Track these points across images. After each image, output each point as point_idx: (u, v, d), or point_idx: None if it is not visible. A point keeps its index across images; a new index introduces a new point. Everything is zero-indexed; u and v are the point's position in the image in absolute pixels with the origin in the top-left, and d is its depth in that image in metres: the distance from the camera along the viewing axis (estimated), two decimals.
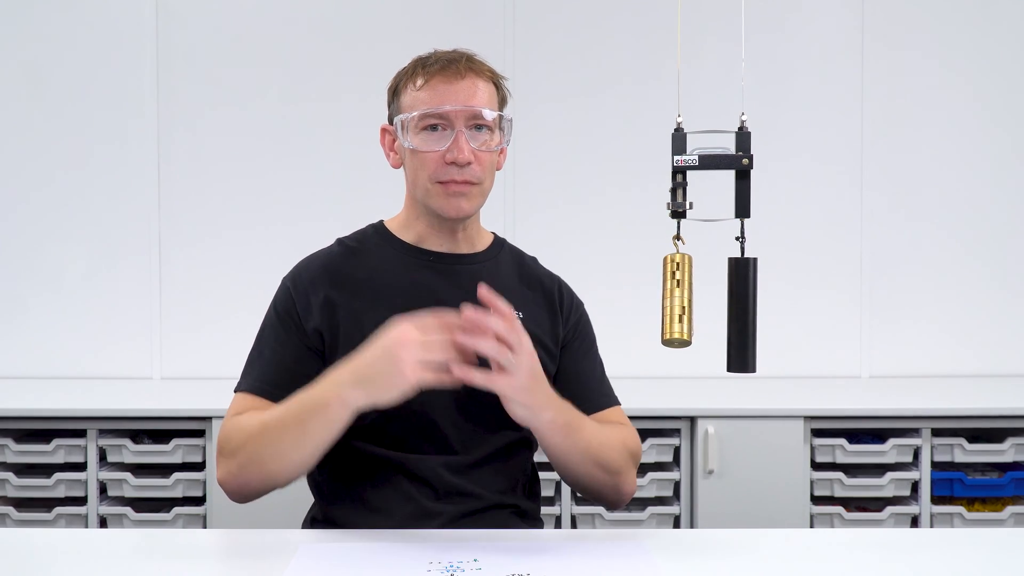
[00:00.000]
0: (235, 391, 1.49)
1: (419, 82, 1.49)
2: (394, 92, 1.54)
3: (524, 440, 1.53)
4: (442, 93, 1.47)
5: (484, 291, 1.31)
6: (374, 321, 1.43)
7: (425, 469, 1.46)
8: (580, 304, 1.65)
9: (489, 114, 1.48)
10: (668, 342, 1.28)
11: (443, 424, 1.47)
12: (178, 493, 2.57)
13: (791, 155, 3.11)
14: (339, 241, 1.60)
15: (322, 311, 1.49)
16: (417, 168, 1.50)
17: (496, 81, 1.54)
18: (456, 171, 1.47)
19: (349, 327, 1.47)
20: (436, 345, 1.27)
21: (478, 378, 1.28)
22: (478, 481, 1.48)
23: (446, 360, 1.28)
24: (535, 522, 1.57)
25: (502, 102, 1.54)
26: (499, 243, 1.64)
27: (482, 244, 1.61)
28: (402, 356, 1.26)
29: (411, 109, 1.49)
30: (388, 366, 1.27)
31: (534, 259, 1.66)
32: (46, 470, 2.59)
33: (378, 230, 1.60)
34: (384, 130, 1.58)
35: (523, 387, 1.31)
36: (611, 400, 1.60)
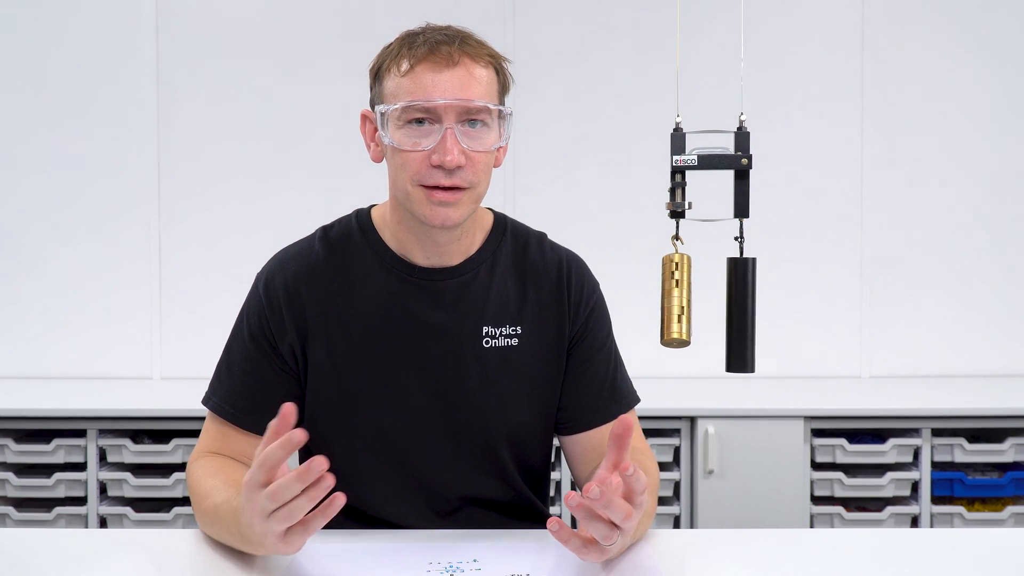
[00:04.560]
0: (204, 403, 1.42)
1: (403, 67, 1.28)
2: (376, 74, 1.34)
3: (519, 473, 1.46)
4: (430, 82, 1.26)
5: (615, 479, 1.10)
6: (346, 348, 1.37)
7: (401, 515, 1.41)
8: (593, 292, 1.46)
9: (485, 108, 1.28)
10: (667, 342, 1.28)
11: (422, 470, 1.41)
12: (178, 493, 2.57)
13: (791, 155, 3.10)
14: (322, 235, 1.43)
15: (297, 331, 1.37)
16: (398, 168, 1.30)
17: (497, 65, 1.33)
18: (443, 175, 1.27)
19: (318, 353, 1.37)
20: (279, 516, 1.07)
21: (573, 546, 1.12)
22: (467, 521, 1.43)
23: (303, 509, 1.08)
24: (539, 519, 1.51)
25: (503, 90, 1.34)
26: (500, 229, 1.45)
27: (478, 240, 1.42)
28: (264, 531, 1.09)
29: (394, 99, 1.28)
30: (260, 537, 1.11)
31: (541, 238, 1.47)
32: (46, 470, 2.59)
33: (363, 225, 1.42)
34: (364, 116, 1.38)
35: (611, 552, 1.16)
36: (624, 405, 1.46)
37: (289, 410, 1.08)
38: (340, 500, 1.07)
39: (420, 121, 1.28)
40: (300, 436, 1.06)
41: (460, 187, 1.29)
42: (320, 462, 1.06)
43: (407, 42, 1.31)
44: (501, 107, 1.31)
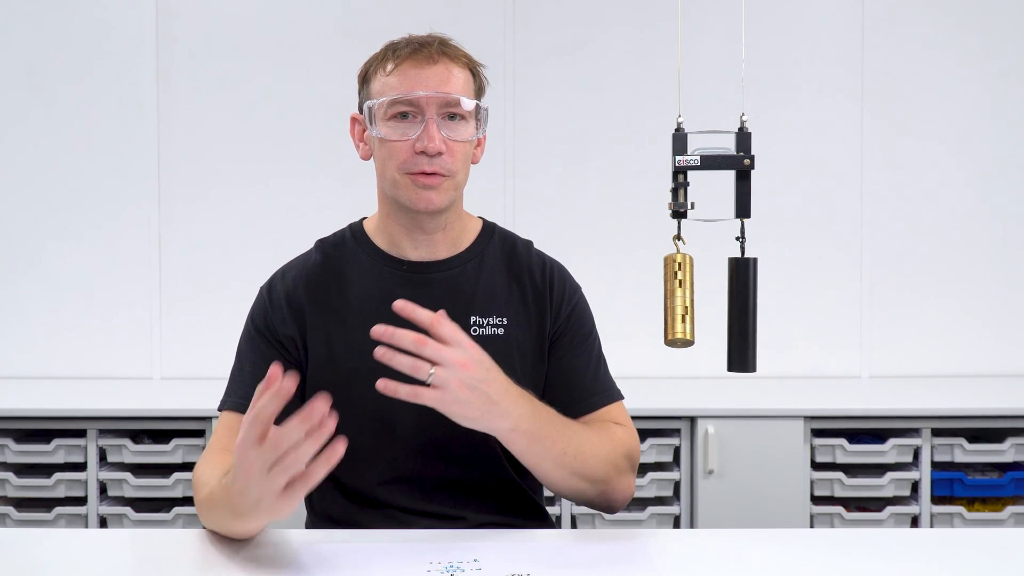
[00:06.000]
0: (220, 408, 1.46)
1: (389, 67, 1.42)
2: (364, 79, 1.48)
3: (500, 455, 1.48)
4: (413, 78, 1.40)
5: (400, 304, 1.22)
6: (343, 340, 1.45)
7: (399, 497, 1.45)
8: (575, 292, 1.55)
9: (463, 102, 1.41)
10: (672, 342, 1.28)
11: (407, 448, 1.44)
12: (178, 493, 2.57)
13: (791, 155, 3.10)
14: (319, 244, 1.55)
15: (297, 325, 1.47)
16: (385, 158, 1.43)
17: (472, 68, 1.47)
18: (426, 161, 1.39)
19: (317, 346, 1.46)
20: (283, 465, 1.09)
21: (404, 392, 1.18)
22: (455, 504, 1.46)
23: (302, 464, 1.10)
24: (539, 516, 1.53)
25: (479, 90, 1.48)
26: (488, 233, 1.55)
27: (466, 240, 1.52)
28: (262, 490, 1.11)
29: (380, 95, 1.42)
30: (256, 500, 1.13)
31: (528, 244, 1.57)
32: (46, 470, 2.59)
33: (355, 232, 1.54)
34: (354, 119, 1.51)
35: (457, 400, 1.22)
36: (607, 397, 1.51)
37: (275, 372, 1.11)
38: (341, 447, 1.09)
39: (404, 115, 1.41)
40: (290, 384, 1.10)
41: (441, 173, 1.41)
42: (321, 404, 1.09)
43: (391, 48, 1.45)
44: (478, 102, 1.44)
